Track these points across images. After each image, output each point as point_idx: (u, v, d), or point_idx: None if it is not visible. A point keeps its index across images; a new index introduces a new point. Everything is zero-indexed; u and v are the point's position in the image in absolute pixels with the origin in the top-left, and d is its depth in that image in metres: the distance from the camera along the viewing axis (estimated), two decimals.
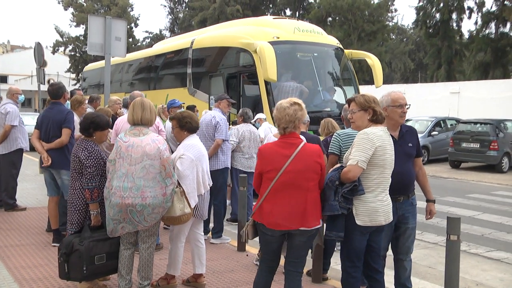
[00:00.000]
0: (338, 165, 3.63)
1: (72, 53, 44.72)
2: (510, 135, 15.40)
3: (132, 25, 42.81)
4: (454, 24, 30.02)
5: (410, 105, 3.93)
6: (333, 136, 4.58)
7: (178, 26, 45.83)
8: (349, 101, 3.65)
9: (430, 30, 30.60)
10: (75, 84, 42.78)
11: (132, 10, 44.24)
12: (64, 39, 45.00)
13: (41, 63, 12.24)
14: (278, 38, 9.88)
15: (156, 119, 3.99)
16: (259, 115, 8.74)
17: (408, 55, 50.07)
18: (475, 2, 29.03)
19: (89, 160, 3.92)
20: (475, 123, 16.01)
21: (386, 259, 4.05)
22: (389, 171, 3.47)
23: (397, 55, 46.88)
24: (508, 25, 27.09)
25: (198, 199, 4.16)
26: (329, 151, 4.56)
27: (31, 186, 9.67)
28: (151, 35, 47.29)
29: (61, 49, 45.98)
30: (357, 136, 3.44)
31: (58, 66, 43.77)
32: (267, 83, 9.40)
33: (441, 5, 28.87)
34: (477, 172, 14.98)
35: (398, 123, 3.83)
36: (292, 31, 10.28)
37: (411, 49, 50.95)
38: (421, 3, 30.40)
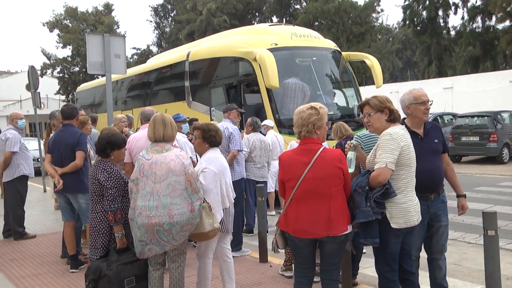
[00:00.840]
0: (363, 169, 3.56)
1: (61, 75, 44.44)
2: (508, 126, 15.49)
3: None
4: (441, 21, 30.32)
5: (432, 101, 3.88)
6: (354, 139, 4.53)
7: (165, 40, 45.82)
8: (362, 105, 3.58)
9: (418, 28, 30.87)
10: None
11: (118, 27, 44.22)
12: (52, 61, 44.74)
13: (36, 87, 12.07)
14: (276, 44, 9.82)
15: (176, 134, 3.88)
16: (266, 122, 8.66)
17: (395, 54, 50.45)
18: None
19: (109, 181, 3.80)
20: (473, 116, 16.08)
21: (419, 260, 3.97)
22: (414, 169, 3.41)
23: (384, 55, 47.23)
24: (494, 18, 27.43)
25: (223, 212, 4.06)
26: None
27: (36, 212, 9.47)
28: (139, 51, 47.22)
29: (49, 71, 45.69)
30: (381, 138, 3.37)
31: (47, 89, 43.40)
32: (268, 90, 9.33)
33: (427, 2, 29.14)
34: (478, 165, 15.00)
35: (422, 121, 3.77)
36: (289, 37, 10.25)
37: (398, 48, 51.36)
38: (407, 2, 30.69)
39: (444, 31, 30.44)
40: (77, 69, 43.45)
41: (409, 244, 3.50)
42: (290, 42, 10.17)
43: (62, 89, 43.63)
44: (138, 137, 5.17)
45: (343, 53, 11.18)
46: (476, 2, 28.20)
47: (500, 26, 26.56)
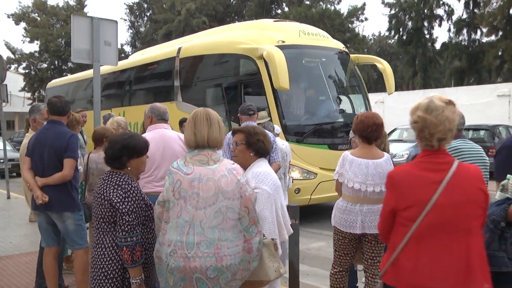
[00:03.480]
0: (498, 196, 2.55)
1: (27, 71, 41.92)
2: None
3: None
4: (426, 32, 30.17)
5: None
6: (452, 153, 3.59)
7: (140, 40, 44.07)
8: None
9: (403, 38, 30.61)
10: (30, 104, 40.09)
11: None
12: (17, 56, 42.21)
13: (3, 79, 10.60)
14: (283, 42, 8.79)
15: (225, 138, 2.75)
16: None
17: (370, 65, 50.47)
18: (445, 10, 29.32)
19: (126, 204, 2.64)
20: (469, 129, 15.51)
21: None
22: None
23: (359, 66, 46.94)
24: (479, 32, 27.49)
25: (280, 247, 2.96)
26: None
27: None
28: None
29: (13, 66, 43.09)
30: None
31: (11, 85, 40.83)
32: (275, 92, 8.31)
33: (413, 13, 28.93)
34: None
35: None
36: (297, 34, 9.24)
37: None
38: (393, 11, 30.41)
39: (429, 43, 30.30)
40: (45, 65, 41.11)
41: None
42: (298, 40, 9.16)
43: (28, 86, 41.15)
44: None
45: (351, 55, 10.28)
46: (462, 15, 28.26)
47: (485, 40, 26.59)
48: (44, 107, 4.61)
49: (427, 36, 30.05)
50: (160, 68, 11.87)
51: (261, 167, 3.01)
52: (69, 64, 39.91)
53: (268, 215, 2.86)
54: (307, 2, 35.25)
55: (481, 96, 20.84)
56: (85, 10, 41.97)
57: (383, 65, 9.75)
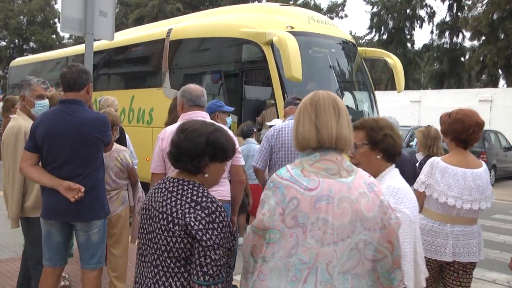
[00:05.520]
0: None
1: None
2: (495, 146, 14.83)
3: (56, 20, 38.35)
4: (407, 32, 30.10)
5: None
6: None
7: None
8: None
9: (384, 37, 30.42)
10: None
11: (56, 3, 39.82)
12: None
13: None
14: (292, 28, 7.96)
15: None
16: (276, 122, 6.73)
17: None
18: (427, 12, 29.33)
19: (211, 232, 1.73)
20: None
21: None
22: None
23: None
24: (461, 35, 27.61)
25: None
26: None
27: None
28: None
29: None
30: None
31: None
32: (283, 82, 7.51)
33: (395, 13, 28.73)
34: None
35: None
36: (306, 21, 8.44)
37: None
38: (375, 9, 30.13)
39: (409, 44, 30.27)
40: (3, 43, 38.48)
41: None
42: (308, 27, 8.36)
43: None
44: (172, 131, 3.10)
45: (358, 48, 9.58)
46: (445, 17, 28.30)
47: (468, 44, 26.80)
48: (36, 81, 3.58)
49: (408, 37, 30.02)
50: (146, 50, 10.78)
51: (396, 179, 2.13)
52: (31, 44, 37.56)
53: (407, 250, 2.01)
54: None
55: (464, 100, 20.79)
56: None
57: (394, 61, 9.10)
